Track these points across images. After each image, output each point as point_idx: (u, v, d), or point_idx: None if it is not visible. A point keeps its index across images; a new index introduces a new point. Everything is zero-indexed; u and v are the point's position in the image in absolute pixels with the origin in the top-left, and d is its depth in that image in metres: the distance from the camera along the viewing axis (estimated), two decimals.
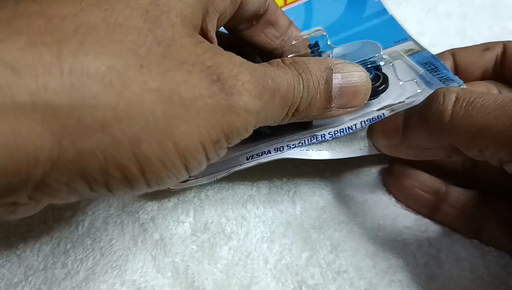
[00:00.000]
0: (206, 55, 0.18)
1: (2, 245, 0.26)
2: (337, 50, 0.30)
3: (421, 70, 0.27)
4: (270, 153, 0.26)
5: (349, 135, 0.27)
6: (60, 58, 0.15)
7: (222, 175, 0.26)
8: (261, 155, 0.26)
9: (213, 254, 0.26)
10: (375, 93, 0.27)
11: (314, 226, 0.27)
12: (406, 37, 0.32)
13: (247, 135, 0.20)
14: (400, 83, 0.27)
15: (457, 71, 0.29)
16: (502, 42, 0.29)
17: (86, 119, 0.15)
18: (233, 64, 0.19)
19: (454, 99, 0.22)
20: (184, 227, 0.27)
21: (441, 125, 0.22)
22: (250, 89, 0.19)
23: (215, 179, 0.26)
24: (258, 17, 0.27)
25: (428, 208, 0.27)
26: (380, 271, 0.25)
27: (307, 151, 0.26)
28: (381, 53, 0.28)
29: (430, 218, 0.27)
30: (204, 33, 0.20)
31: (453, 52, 0.30)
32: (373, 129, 0.26)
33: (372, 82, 0.26)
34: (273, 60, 0.23)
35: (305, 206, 0.28)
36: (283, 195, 0.28)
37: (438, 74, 0.27)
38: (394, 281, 0.25)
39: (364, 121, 0.26)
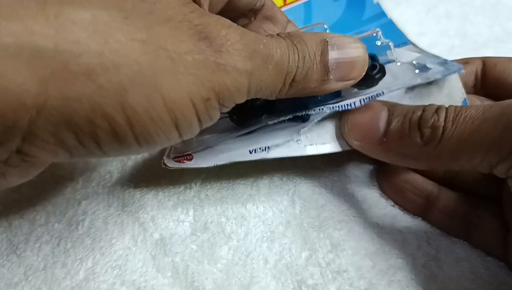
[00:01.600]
0: (194, 14, 0.18)
1: (2, 245, 0.26)
2: None
3: (418, 54, 0.27)
4: (269, 148, 0.26)
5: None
6: (45, 6, 0.15)
7: (223, 163, 0.26)
8: (264, 150, 0.26)
9: (213, 253, 0.26)
10: (372, 82, 0.26)
11: (313, 225, 0.27)
12: (406, 41, 0.32)
13: (240, 98, 0.20)
14: (398, 63, 0.27)
15: None
16: (481, 58, 0.29)
17: (71, 65, 0.15)
18: (222, 25, 0.19)
19: (445, 114, 0.22)
20: (184, 226, 0.27)
21: (434, 140, 0.22)
22: (239, 49, 0.19)
23: (215, 165, 0.26)
24: (255, 12, 0.27)
25: (419, 210, 0.28)
26: (380, 271, 0.25)
27: (305, 146, 0.26)
28: (380, 34, 0.28)
29: (422, 218, 0.27)
30: (197, 3, 0.20)
31: None
32: (349, 123, 0.25)
33: (369, 70, 0.26)
34: (268, 34, 0.23)
35: (304, 205, 0.28)
36: (282, 195, 0.28)
37: (436, 59, 0.27)
38: (394, 281, 0.25)
39: (363, 99, 0.25)
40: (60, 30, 0.15)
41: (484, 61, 0.28)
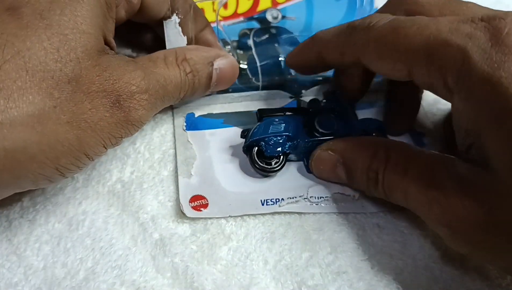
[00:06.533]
0: (108, 82, 0.23)
1: (2, 245, 0.26)
2: None
3: None
4: (280, 202, 0.28)
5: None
6: None
7: (237, 215, 0.27)
8: (276, 203, 0.28)
9: (213, 254, 0.26)
10: None
11: (314, 228, 0.27)
12: None
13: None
14: None
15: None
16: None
17: (19, 157, 0.21)
18: (131, 85, 0.24)
19: None
20: (183, 227, 0.27)
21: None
22: (145, 105, 0.25)
23: (229, 215, 0.27)
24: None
25: None
26: (379, 272, 0.25)
27: (311, 204, 0.28)
28: None
29: None
30: (106, 43, 0.25)
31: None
32: (314, 171, 0.29)
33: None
34: (169, 53, 0.27)
35: None
36: None
37: None
38: (393, 283, 0.25)
39: None
40: (6, 135, 0.20)
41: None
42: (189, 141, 0.30)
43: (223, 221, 0.27)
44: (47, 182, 0.24)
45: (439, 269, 0.26)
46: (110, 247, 0.27)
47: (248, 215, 0.28)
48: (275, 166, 0.28)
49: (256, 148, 0.28)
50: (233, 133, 0.31)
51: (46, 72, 0.22)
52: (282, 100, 0.33)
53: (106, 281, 0.25)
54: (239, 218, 0.27)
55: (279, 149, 0.28)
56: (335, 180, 0.28)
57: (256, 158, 0.28)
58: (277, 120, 0.29)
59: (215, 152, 0.30)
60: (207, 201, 0.28)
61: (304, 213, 0.28)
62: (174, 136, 0.31)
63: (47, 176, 0.23)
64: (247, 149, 0.29)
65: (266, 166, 0.28)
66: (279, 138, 0.28)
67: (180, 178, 0.28)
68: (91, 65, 0.23)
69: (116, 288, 0.25)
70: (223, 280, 0.25)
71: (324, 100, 0.31)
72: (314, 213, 0.28)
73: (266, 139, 0.28)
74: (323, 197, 0.28)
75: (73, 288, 0.25)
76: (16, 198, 0.28)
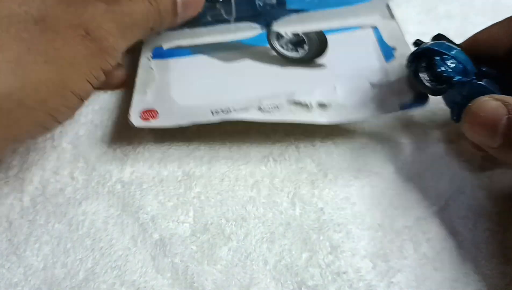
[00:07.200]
0: (74, 16, 0.24)
1: (2, 245, 0.26)
2: None
3: None
4: (229, 111, 0.28)
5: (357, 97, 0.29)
6: None
7: (186, 124, 0.28)
8: (224, 112, 0.28)
9: (213, 254, 0.26)
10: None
11: (313, 227, 0.27)
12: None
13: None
14: None
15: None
16: None
17: (7, 105, 0.21)
18: (96, 16, 0.25)
19: None
20: (183, 227, 0.27)
21: None
22: (114, 33, 0.25)
23: (179, 125, 0.28)
24: None
25: None
26: (379, 273, 0.25)
27: (263, 112, 0.28)
28: None
29: None
30: None
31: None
32: (468, 117, 0.24)
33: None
34: None
35: (304, 207, 0.28)
36: (282, 197, 0.28)
37: None
38: (393, 283, 0.25)
39: None
40: None
41: None
42: (151, 68, 0.31)
43: (223, 221, 0.27)
44: (42, 129, 0.24)
45: (439, 269, 0.26)
46: (110, 247, 0.27)
47: (247, 212, 0.28)
48: (434, 86, 0.26)
49: (427, 61, 0.26)
50: (199, 60, 0.31)
51: (12, 16, 0.22)
52: (252, 31, 0.33)
53: (106, 282, 0.25)
54: (240, 218, 0.27)
55: (452, 74, 0.25)
56: (484, 139, 0.23)
57: (420, 68, 0.26)
58: (457, 49, 0.26)
59: (175, 74, 0.30)
60: (158, 113, 0.28)
61: (303, 213, 0.28)
62: (138, 66, 0.31)
63: (40, 121, 0.23)
64: (416, 56, 0.27)
65: (426, 81, 0.26)
66: (457, 63, 0.25)
67: (134, 95, 0.29)
68: (55, 3, 0.24)
69: (116, 289, 0.25)
70: (223, 280, 0.25)
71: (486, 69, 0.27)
72: (314, 212, 0.28)
73: (445, 56, 0.26)
74: (276, 105, 0.28)
75: (73, 289, 0.25)
76: (16, 198, 0.28)
